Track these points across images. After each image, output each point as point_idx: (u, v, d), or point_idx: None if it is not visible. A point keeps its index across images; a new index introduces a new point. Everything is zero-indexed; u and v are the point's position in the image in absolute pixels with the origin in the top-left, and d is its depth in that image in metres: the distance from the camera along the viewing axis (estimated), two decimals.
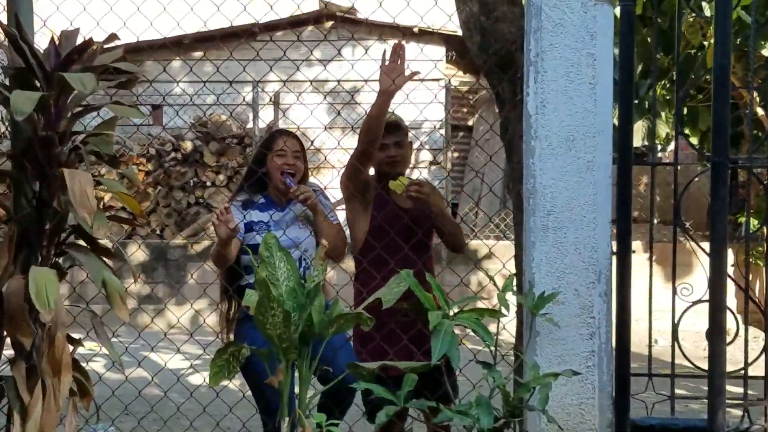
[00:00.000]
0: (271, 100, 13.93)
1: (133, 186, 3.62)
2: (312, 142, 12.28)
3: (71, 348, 3.66)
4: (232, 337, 4.57)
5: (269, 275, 3.78)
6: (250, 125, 13.25)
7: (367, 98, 12.52)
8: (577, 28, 3.48)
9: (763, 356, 3.29)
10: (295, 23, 13.70)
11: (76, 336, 3.81)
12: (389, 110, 4.46)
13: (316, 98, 12.30)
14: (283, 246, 4.29)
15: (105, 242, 3.79)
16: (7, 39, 3.59)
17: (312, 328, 3.69)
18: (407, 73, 4.26)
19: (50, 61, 3.56)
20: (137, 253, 11.39)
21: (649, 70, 6.02)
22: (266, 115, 13.93)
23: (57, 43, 3.60)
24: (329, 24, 14.16)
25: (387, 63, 4.27)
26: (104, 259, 3.77)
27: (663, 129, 11.34)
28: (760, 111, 9.08)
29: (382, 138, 4.48)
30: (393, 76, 4.23)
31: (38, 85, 3.55)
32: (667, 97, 9.98)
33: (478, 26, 4.17)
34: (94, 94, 3.65)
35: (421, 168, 13.73)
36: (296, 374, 3.71)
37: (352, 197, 4.65)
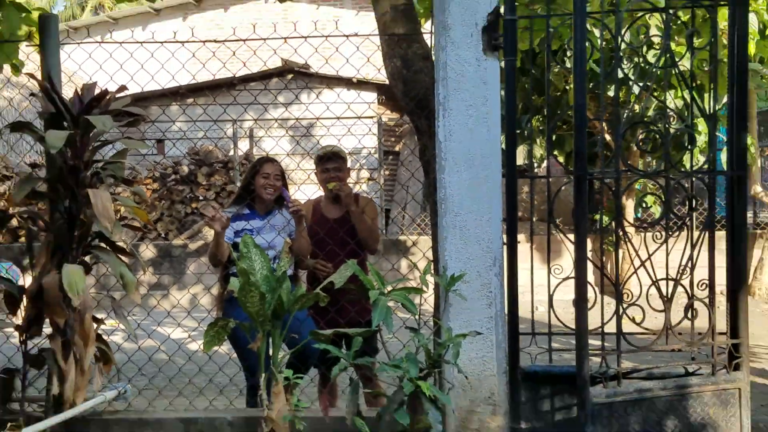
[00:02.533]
0: (246, 134, 13.85)
1: (142, 201, 3.53)
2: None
3: (96, 325, 3.59)
4: (221, 314, 4.48)
5: (248, 266, 3.75)
6: (231, 153, 13.16)
7: (319, 132, 12.73)
8: (473, 77, 3.49)
9: (614, 318, 3.32)
10: (264, 76, 13.67)
11: (99, 316, 3.73)
12: (332, 144, 4.59)
13: (280, 132, 12.38)
14: (262, 247, 4.27)
15: (121, 244, 3.73)
16: (42, 91, 3.51)
17: (282, 306, 3.66)
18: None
19: (75, 107, 3.49)
20: (147, 252, 11.27)
21: (528, 108, 6.09)
22: (243, 146, 13.81)
23: (80, 93, 3.53)
24: (290, 76, 14.10)
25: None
26: (121, 257, 3.71)
27: (538, 151, 11.59)
28: (608, 137, 9.26)
29: (327, 163, 4.51)
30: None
31: (66, 125, 3.48)
32: (541, 128, 10.18)
33: (401, 77, 4.17)
34: (110, 132, 3.59)
35: (361, 183, 13.71)
36: (270, 341, 3.69)
37: None
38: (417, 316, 3.44)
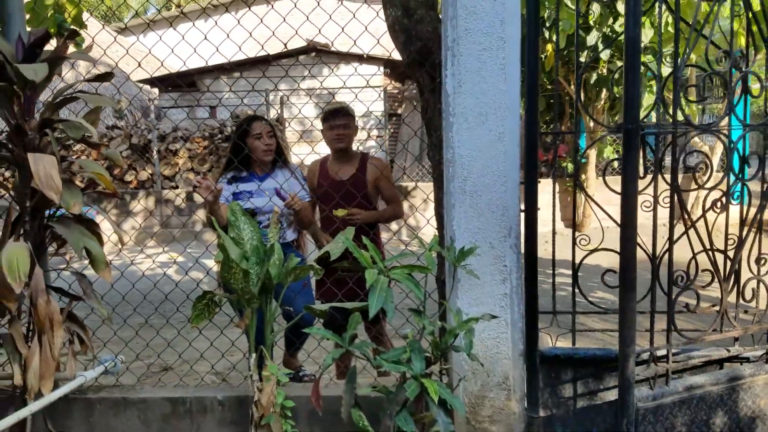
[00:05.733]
0: (278, 101, 12.34)
1: (116, 165, 2.31)
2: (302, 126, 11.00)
3: (60, 306, 2.30)
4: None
5: (236, 236, 2.47)
6: (265, 117, 11.74)
7: (339, 98, 11.42)
8: (489, 15, 2.11)
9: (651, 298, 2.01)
10: (294, 53, 12.14)
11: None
12: (339, 100, 3.19)
13: (308, 99, 11.08)
14: (264, 210, 2.99)
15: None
16: None
17: (270, 281, 2.39)
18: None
19: (18, 56, 2.12)
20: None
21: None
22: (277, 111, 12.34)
23: (24, 41, 2.15)
24: (313, 53, 12.58)
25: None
26: (96, 227, 2.40)
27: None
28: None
29: (333, 120, 3.14)
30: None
31: (11, 77, 2.11)
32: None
33: (402, 27, 2.77)
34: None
35: (371, 139, 12.31)
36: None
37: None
38: (422, 298, 2.14)
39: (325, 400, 2.33)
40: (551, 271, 2.29)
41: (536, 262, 2.22)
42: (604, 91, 8.25)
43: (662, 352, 2.00)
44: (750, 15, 2.01)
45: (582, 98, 7.97)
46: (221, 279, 2.36)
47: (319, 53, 12.67)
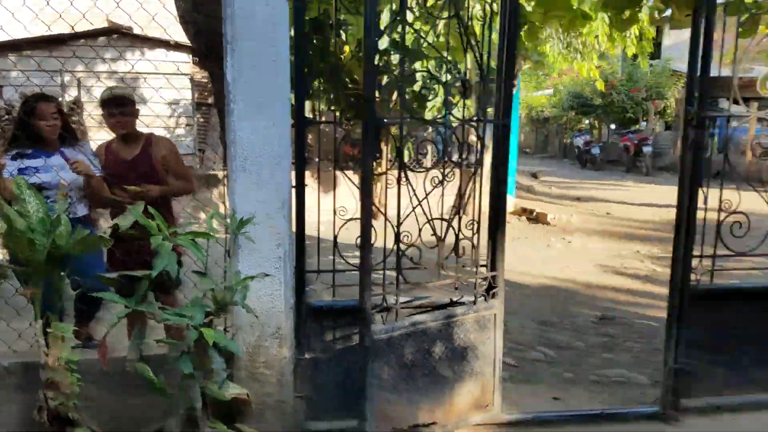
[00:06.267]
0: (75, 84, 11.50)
1: None
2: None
3: None
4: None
5: (21, 209, 2.55)
6: (60, 99, 10.90)
7: (142, 85, 10.96)
8: (262, 16, 2.48)
9: (393, 254, 2.55)
10: (93, 34, 11.38)
11: None
12: (124, 86, 3.32)
13: (108, 83, 10.44)
14: (52, 185, 3.07)
15: None
16: None
17: (58, 250, 2.52)
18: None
19: None
20: None
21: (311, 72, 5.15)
22: (73, 92, 11.50)
23: None
24: (115, 36, 11.90)
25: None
26: None
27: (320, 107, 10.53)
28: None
29: (111, 108, 3.25)
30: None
31: None
32: (321, 88, 9.21)
33: (192, 20, 3.05)
34: None
35: (180, 127, 12.03)
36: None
37: None
38: (204, 260, 2.45)
39: (116, 361, 2.53)
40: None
41: (304, 229, 2.65)
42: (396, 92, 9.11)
43: (393, 299, 2.56)
44: (468, 43, 2.63)
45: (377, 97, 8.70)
46: (6, 249, 2.44)
47: (122, 36, 12.03)
